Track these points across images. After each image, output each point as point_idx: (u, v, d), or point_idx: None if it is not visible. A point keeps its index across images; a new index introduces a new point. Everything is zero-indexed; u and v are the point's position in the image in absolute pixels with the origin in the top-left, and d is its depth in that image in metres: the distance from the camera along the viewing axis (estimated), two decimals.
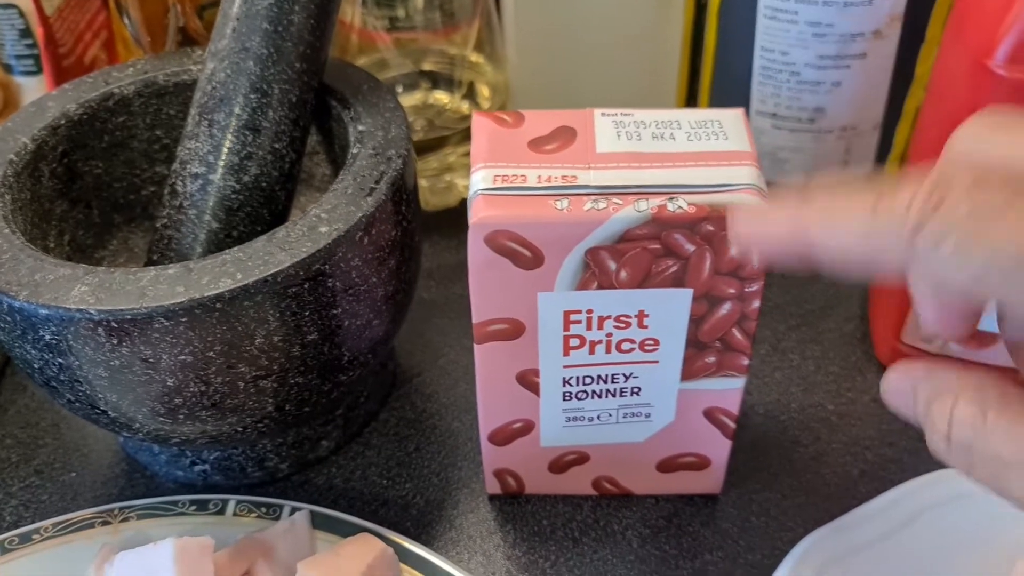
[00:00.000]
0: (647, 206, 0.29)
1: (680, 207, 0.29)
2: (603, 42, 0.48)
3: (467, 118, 0.51)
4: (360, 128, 0.36)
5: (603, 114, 0.33)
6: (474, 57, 0.52)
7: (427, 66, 0.53)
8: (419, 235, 0.38)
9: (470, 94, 0.53)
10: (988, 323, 0.38)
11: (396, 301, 0.37)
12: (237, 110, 0.35)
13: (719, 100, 0.46)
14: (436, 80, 0.53)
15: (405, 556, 0.34)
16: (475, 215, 0.29)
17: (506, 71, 0.51)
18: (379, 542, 0.33)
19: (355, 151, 0.35)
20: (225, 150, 0.36)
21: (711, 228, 0.29)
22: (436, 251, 0.49)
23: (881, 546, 0.34)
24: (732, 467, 0.40)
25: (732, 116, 0.33)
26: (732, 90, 0.45)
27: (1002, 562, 0.32)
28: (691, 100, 0.50)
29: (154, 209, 0.41)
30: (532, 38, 0.49)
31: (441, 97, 0.53)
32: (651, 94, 0.50)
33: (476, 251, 0.30)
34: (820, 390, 0.43)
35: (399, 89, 0.52)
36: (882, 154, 0.46)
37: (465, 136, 0.50)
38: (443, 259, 0.49)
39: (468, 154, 0.45)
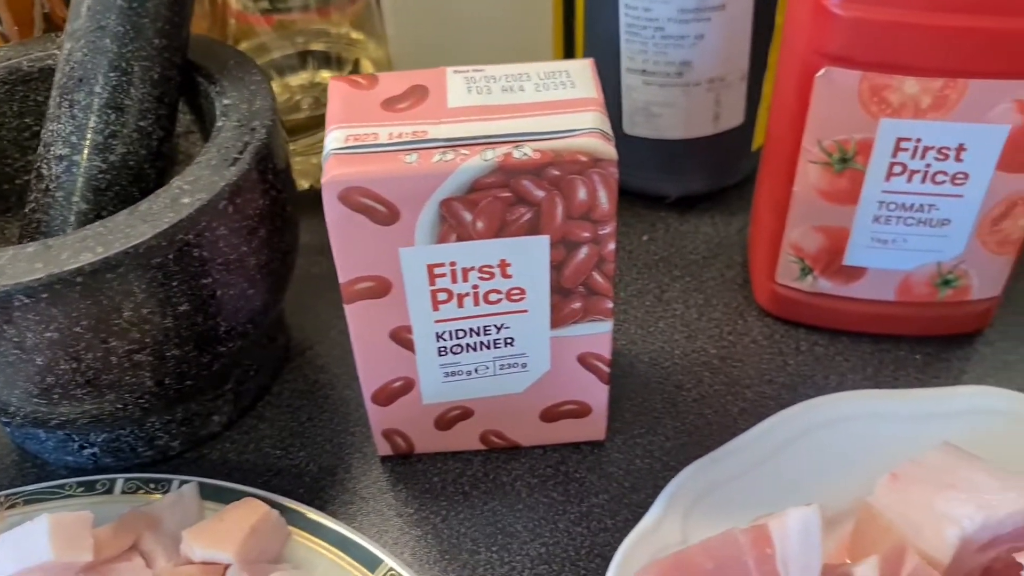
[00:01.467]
0: (493, 155, 0.30)
1: (525, 154, 0.30)
2: (478, 9, 0.49)
3: None
4: (225, 102, 0.37)
5: (455, 71, 0.33)
6: (354, 35, 0.52)
7: (314, 46, 0.54)
8: (292, 206, 0.38)
9: (356, 71, 0.53)
10: (854, 257, 0.40)
11: (272, 271, 0.37)
12: (97, 89, 0.35)
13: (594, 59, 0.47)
14: (324, 59, 0.54)
15: (294, 519, 0.35)
16: (327, 174, 0.30)
17: (386, 46, 0.52)
18: (263, 505, 0.34)
19: (220, 124, 0.36)
20: (89, 130, 0.36)
21: (557, 173, 0.30)
22: (326, 228, 0.50)
23: (755, 473, 0.36)
24: (617, 414, 0.41)
25: (580, 66, 0.34)
26: (604, 49, 0.46)
27: (868, 480, 0.34)
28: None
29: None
30: (408, 12, 0.49)
31: (327, 76, 0.53)
32: (528, 59, 0.50)
33: (332, 209, 0.31)
34: (703, 335, 0.44)
35: (285, 70, 0.53)
36: (751, 104, 0.47)
37: None
38: None
39: None
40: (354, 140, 0.31)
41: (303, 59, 0.53)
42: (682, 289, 0.46)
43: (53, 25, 0.44)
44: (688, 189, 0.50)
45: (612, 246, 0.33)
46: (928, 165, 0.36)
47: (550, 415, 0.38)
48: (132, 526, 0.33)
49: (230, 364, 0.38)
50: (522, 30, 0.50)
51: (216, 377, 0.38)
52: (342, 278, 0.33)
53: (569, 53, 0.50)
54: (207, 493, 0.36)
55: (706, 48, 0.44)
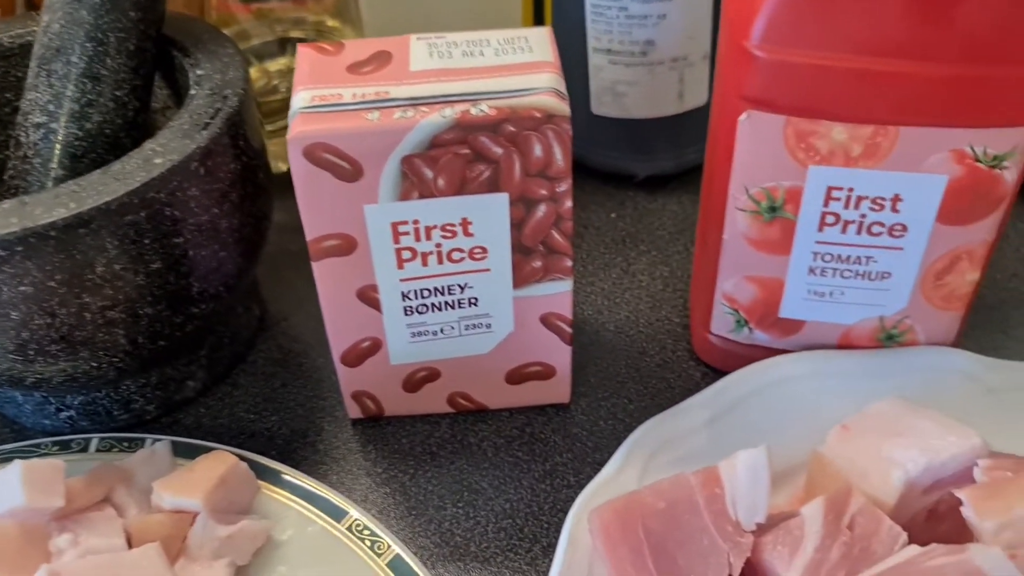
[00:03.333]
0: (452, 112, 0.31)
1: (483, 110, 0.31)
2: None
3: None
4: (199, 72, 0.38)
5: (418, 38, 0.35)
6: (331, 22, 0.54)
7: (293, 33, 0.55)
8: (265, 174, 0.39)
9: None
10: (790, 310, 0.39)
11: (244, 236, 0.38)
12: (74, 59, 0.37)
13: (561, 40, 0.48)
14: None
15: (264, 473, 0.36)
16: (292, 130, 0.31)
17: (362, 31, 0.53)
18: (232, 456, 0.35)
19: (193, 92, 0.37)
20: (66, 99, 0.37)
21: (513, 129, 0.32)
22: None
23: (712, 428, 0.37)
24: (582, 378, 0.42)
25: (539, 33, 0.35)
26: (571, 29, 0.47)
27: (823, 434, 0.35)
28: None
29: None
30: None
31: None
32: None
33: (297, 166, 0.32)
34: (667, 305, 0.45)
35: (264, 56, 0.54)
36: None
37: None
38: None
39: None
40: (319, 100, 0.32)
41: (282, 46, 0.54)
42: (648, 263, 0.47)
43: (34, 6, 0.45)
44: (656, 168, 0.51)
45: (569, 204, 0.34)
46: (863, 215, 0.35)
47: (515, 377, 0.39)
48: (104, 478, 0.34)
49: (203, 329, 0.39)
50: (494, 16, 0.51)
51: (190, 341, 0.39)
52: (309, 235, 0.34)
53: None
54: (180, 451, 0.37)
55: (669, 27, 0.45)
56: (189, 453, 0.37)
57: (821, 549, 0.30)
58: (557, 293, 0.37)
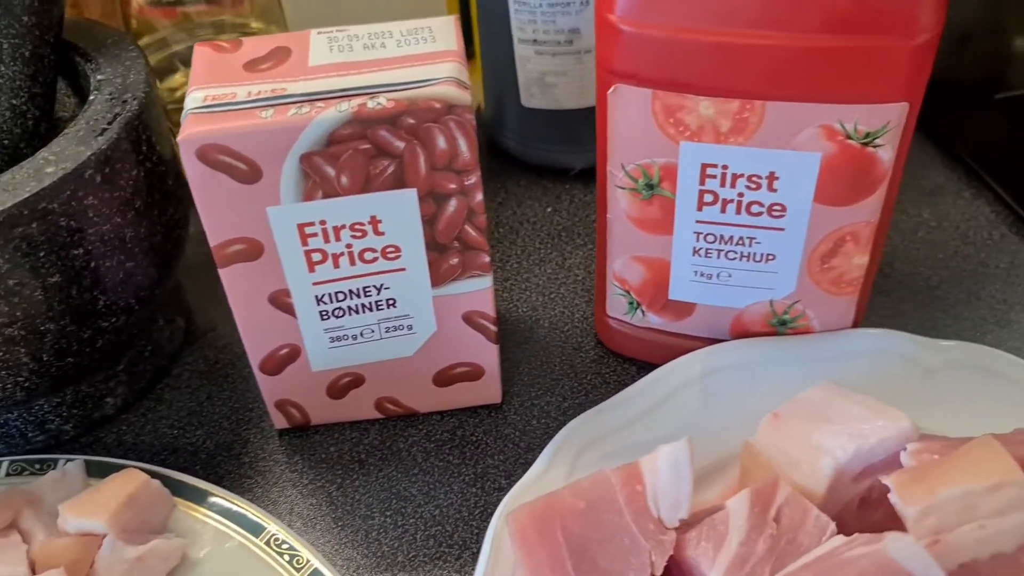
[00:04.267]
0: (348, 106, 0.30)
1: (380, 103, 0.30)
2: None
3: None
4: (99, 77, 0.37)
5: (319, 32, 0.34)
6: (255, 24, 0.53)
7: (222, 38, 0.54)
8: (175, 180, 0.38)
9: None
10: (679, 292, 0.38)
11: (154, 245, 0.37)
12: None
13: (487, 32, 0.47)
14: None
15: (180, 490, 0.35)
16: (182, 132, 0.30)
17: (287, 31, 0.52)
18: (141, 474, 0.33)
19: (92, 97, 0.36)
20: None
21: (413, 121, 0.30)
22: None
23: (642, 423, 0.36)
24: (515, 377, 0.41)
25: (443, 22, 0.34)
26: (496, 22, 0.46)
27: (753, 423, 0.34)
28: (467, 41, 0.51)
29: None
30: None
31: None
32: None
33: (191, 169, 0.31)
34: None
35: (189, 61, 0.53)
36: None
37: None
38: None
39: None
40: (212, 99, 0.31)
41: None
42: (584, 256, 0.46)
43: None
44: (592, 161, 0.50)
45: (479, 197, 0.33)
46: (741, 194, 0.34)
47: (443, 379, 0.38)
48: (11, 503, 0.33)
49: (119, 343, 0.38)
50: (420, 11, 0.50)
51: (104, 356, 0.38)
52: (212, 241, 0.33)
53: (467, 32, 0.51)
54: (95, 471, 0.36)
55: (593, 14, 0.44)
56: (103, 472, 0.35)
57: (746, 543, 0.29)
58: (477, 290, 0.35)
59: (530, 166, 0.51)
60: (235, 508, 0.34)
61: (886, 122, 0.31)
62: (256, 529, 0.33)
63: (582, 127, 0.49)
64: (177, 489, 0.35)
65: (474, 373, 0.38)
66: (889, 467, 0.31)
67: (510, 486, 0.37)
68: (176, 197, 0.38)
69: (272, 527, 0.33)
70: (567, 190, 0.50)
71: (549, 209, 0.49)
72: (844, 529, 0.30)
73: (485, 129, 0.53)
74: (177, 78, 0.51)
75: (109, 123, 0.34)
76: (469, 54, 0.52)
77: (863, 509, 0.32)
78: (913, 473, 0.28)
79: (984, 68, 0.57)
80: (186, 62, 0.53)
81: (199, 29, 0.51)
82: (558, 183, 0.51)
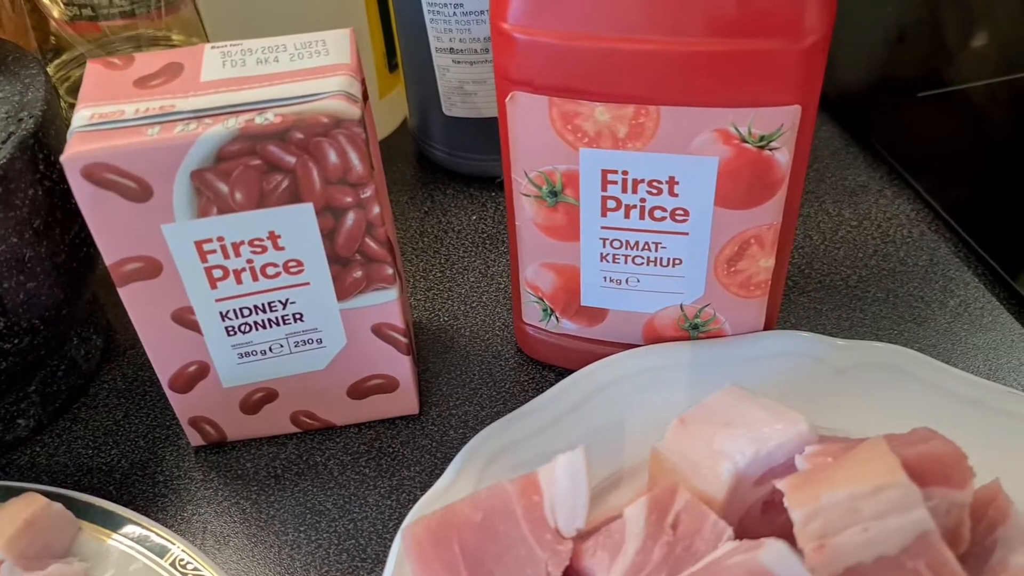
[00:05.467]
0: (236, 122, 0.30)
1: (267, 119, 0.30)
2: (293, 6, 0.49)
3: None
4: None
5: (212, 47, 0.33)
6: (176, 37, 0.52)
7: (145, 51, 0.53)
8: None
9: None
10: (590, 298, 0.38)
11: (58, 265, 0.36)
12: None
13: (406, 43, 0.47)
14: None
15: (85, 512, 0.34)
16: (65, 152, 0.30)
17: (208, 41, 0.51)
18: (40, 498, 0.33)
19: None
20: None
21: (301, 136, 0.30)
22: None
23: (551, 431, 0.36)
24: (434, 387, 0.41)
25: (339, 35, 0.34)
26: (414, 32, 0.46)
27: (663, 428, 0.34)
28: (391, 52, 0.51)
29: None
30: (223, 10, 0.49)
31: None
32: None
33: (78, 189, 0.30)
34: None
35: None
36: None
37: None
38: None
39: None
40: (99, 118, 0.30)
41: None
42: (507, 264, 0.46)
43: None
44: None
45: (377, 210, 0.33)
46: (643, 200, 0.34)
47: (358, 391, 0.38)
48: None
49: (27, 364, 0.37)
50: (339, 22, 0.50)
51: (12, 378, 0.37)
52: (107, 260, 0.32)
53: (390, 43, 0.50)
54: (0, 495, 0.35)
55: None
56: (8, 497, 0.35)
57: (642, 551, 0.29)
58: (384, 303, 0.35)
59: (457, 175, 0.51)
60: (141, 530, 0.34)
61: (779, 125, 0.32)
62: (161, 551, 0.33)
63: None
64: (82, 511, 0.34)
65: (389, 385, 0.38)
66: (789, 470, 0.31)
67: None
68: (80, 215, 0.38)
69: (177, 548, 0.33)
70: (493, 198, 0.50)
71: (474, 217, 0.49)
72: (748, 533, 0.30)
73: (413, 140, 0.53)
74: None
75: (2, 142, 0.34)
76: (392, 65, 0.52)
77: (767, 513, 0.32)
78: (804, 477, 0.28)
79: (919, 67, 0.57)
80: None
81: (117, 43, 0.51)
82: (484, 191, 0.50)
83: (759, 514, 0.32)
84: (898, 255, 0.45)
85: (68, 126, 0.34)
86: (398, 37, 0.48)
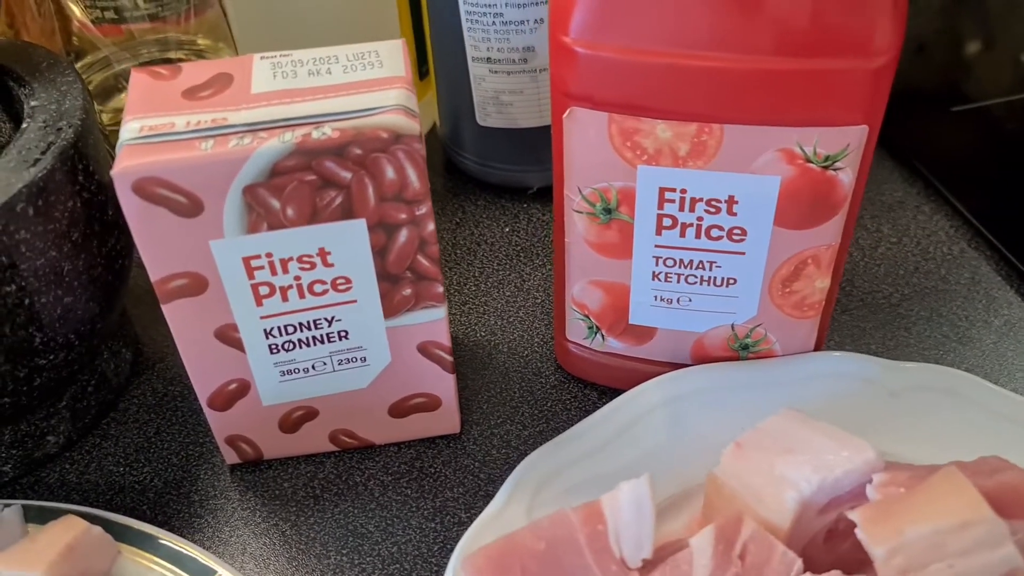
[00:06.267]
0: (292, 136, 0.29)
1: (325, 133, 0.29)
2: (322, 10, 0.48)
3: None
4: (33, 103, 0.35)
5: (262, 57, 0.32)
6: (203, 41, 0.51)
7: (171, 55, 0.52)
8: (115, 209, 0.37)
9: None
10: (639, 317, 0.37)
11: (95, 279, 0.35)
12: None
13: (441, 52, 0.46)
14: None
15: (124, 535, 0.33)
16: (116, 166, 0.29)
17: (235, 49, 0.50)
18: (81, 521, 0.32)
19: (25, 125, 0.34)
20: None
21: (359, 152, 0.29)
22: None
23: (602, 453, 0.35)
24: (474, 405, 0.40)
25: (391, 46, 0.33)
26: (450, 40, 0.45)
27: (716, 451, 0.33)
28: (422, 59, 0.50)
29: None
30: (251, 13, 0.48)
31: None
32: None
33: (128, 203, 0.29)
34: None
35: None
36: None
37: None
38: None
39: None
40: (149, 130, 0.29)
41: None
42: (543, 278, 0.45)
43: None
44: (550, 179, 0.49)
45: (431, 227, 0.32)
46: (700, 218, 0.33)
47: (399, 410, 0.37)
48: None
49: (60, 379, 0.36)
50: (370, 28, 0.49)
51: (44, 393, 0.36)
52: (153, 276, 0.31)
53: (421, 50, 0.50)
54: (33, 516, 0.34)
55: (547, 33, 0.43)
56: (45, 518, 0.34)
57: None
58: (432, 321, 0.34)
59: (488, 185, 0.50)
60: (183, 552, 0.33)
61: (845, 145, 0.31)
62: (204, 573, 0.32)
63: (539, 145, 0.48)
64: (121, 534, 0.33)
65: (431, 404, 0.37)
66: (855, 499, 0.30)
67: (470, 520, 0.36)
68: (117, 226, 0.37)
69: (222, 572, 0.32)
70: (525, 209, 0.49)
71: (507, 229, 0.48)
72: (811, 563, 0.30)
73: (442, 148, 0.52)
74: (121, 98, 0.50)
75: (43, 153, 0.33)
76: (423, 72, 0.51)
77: (829, 542, 0.31)
78: (879, 508, 0.28)
79: (940, 79, 0.57)
80: None
81: (143, 47, 0.50)
82: (516, 202, 0.50)
83: (822, 543, 0.31)
84: (939, 272, 0.45)
85: (103, 134, 0.33)
86: (431, 45, 0.47)
